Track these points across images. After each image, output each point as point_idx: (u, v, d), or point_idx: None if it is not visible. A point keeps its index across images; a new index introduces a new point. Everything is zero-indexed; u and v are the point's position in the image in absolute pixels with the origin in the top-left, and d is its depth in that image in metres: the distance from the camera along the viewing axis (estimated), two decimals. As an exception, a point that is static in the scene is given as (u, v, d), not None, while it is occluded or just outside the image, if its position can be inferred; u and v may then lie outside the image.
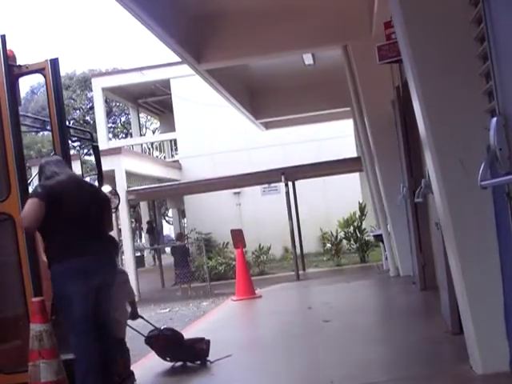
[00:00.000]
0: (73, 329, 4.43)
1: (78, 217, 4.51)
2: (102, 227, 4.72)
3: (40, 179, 4.68)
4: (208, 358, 5.91)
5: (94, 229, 4.61)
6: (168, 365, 6.04)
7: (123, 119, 39.83)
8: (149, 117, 37.36)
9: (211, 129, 24.62)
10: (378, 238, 13.07)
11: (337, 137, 22.53)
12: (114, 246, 4.85)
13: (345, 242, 20.46)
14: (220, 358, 5.89)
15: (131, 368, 5.29)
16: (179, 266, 18.57)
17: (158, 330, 6.03)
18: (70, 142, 5.91)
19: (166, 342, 5.93)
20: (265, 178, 19.12)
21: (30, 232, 4.54)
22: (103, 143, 24.10)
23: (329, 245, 20.69)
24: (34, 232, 4.51)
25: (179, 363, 6.01)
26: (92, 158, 5.80)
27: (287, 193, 17.59)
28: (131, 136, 33.25)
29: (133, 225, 25.42)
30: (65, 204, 4.47)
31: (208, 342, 6.01)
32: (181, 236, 21.41)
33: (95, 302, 4.49)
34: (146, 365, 6.30)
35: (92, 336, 4.43)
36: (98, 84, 27.22)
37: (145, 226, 28.10)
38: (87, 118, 37.45)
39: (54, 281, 4.47)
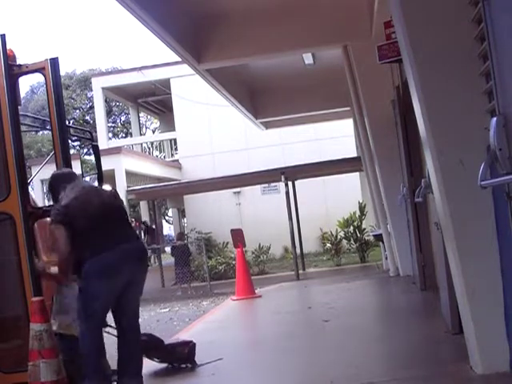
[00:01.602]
0: (89, 322, 4.49)
1: (101, 219, 4.63)
2: (126, 223, 4.91)
3: (54, 196, 4.75)
4: (196, 361, 5.85)
5: (119, 224, 4.77)
6: (168, 365, 6.03)
7: (123, 119, 39.88)
8: (149, 116, 37.40)
9: (211, 128, 24.63)
10: (378, 237, 13.06)
11: (337, 137, 22.54)
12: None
13: (345, 241, 20.47)
14: (209, 362, 5.84)
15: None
16: (180, 266, 18.60)
17: None
18: (69, 141, 5.92)
19: (145, 346, 5.85)
20: (265, 177, 19.14)
21: (66, 257, 4.56)
22: (103, 143, 24.14)
23: (329, 244, 20.70)
24: (68, 256, 4.55)
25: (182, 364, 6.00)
26: (92, 158, 5.80)
27: (287, 192, 17.59)
28: (131, 136, 33.27)
29: (132, 224, 25.42)
30: (84, 216, 4.58)
31: (193, 345, 5.93)
32: (181, 236, 21.41)
33: (123, 298, 4.64)
34: (146, 364, 6.28)
35: (101, 332, 4.57)
36: (97, 84, 27.24)
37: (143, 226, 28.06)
38: (87, 117, 37.49)
39: (83, 279, 4.54)
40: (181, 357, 5.89)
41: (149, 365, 6.04)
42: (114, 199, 4.89)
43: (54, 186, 4.76)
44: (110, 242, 4.58)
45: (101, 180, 5.75)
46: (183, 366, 5.90)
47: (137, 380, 4.76)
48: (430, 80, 4.10)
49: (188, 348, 5.92)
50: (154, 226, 27.07)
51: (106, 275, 4.52)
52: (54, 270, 4.67)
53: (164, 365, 6.01)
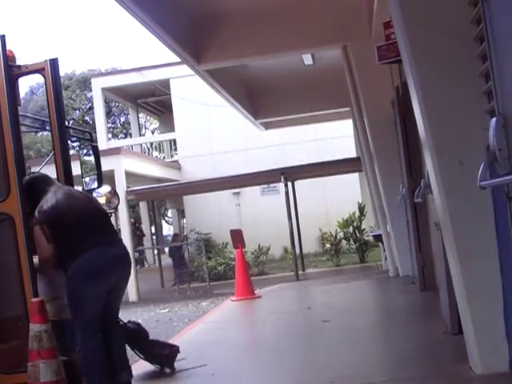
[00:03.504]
0: (84, 327, 4.52)
1: (87, 221, 4.66)
2: (110, 225, 4.93)
3: (33, 198, 4.74)
4: (175, 366, 5.76)
5: (101, 225, 4.79)
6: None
7: (122, 119, 39.85)
8: (148, 117, 37.37)
9: (211, 129, 24.62)
10: (378, 238, 13.06)
11: (337, 137, 22.53)
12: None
13: (344, 242, 20.48)
14: (191, 368, 5.76)
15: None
16: (176, 267, 18.72)
17: (123, 323, 5.91)
18: (69, 142, 5.91)
19: (128, 333, 5.79)
20: (264, 178, 19.12)
21: (50, 258, 4.57)
22: (102, 143, 24.08)
23: (328, 245, 20.71)
24: (52, 256, 4.56)
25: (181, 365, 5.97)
26: (91, 158, 5.76)
27: (286, 193, 17.59)
28: (130, 136, 33.26)
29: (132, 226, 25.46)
30: (65, 217, 4.60)
31: (175, 350, 5.85)
32: (176, 237, 21.43)
33: (107, 300, 4.65)
34: (144, 365, 6.28)
35: (98, 334, 4.59)
36: (97, 84, 27.23)
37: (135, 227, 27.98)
38: (87, 118, 37.45)
39: (71, 280, 4.55)
40: (158, 356, 5.80)
41: (146, 366, 6.04)
42: (97, 202, 5.06)
43: (36, 188, 4.77)
44: (96, 243, 4.59)
45: (100, 181, 5.74)
46: (157, 367, 5.81)
47: (128, 373, 4.84)
48: (429, 80, 4.10)
49: (168, 350, 5.83)
50: (143, 227, 27.11)
51: (92, 277, 4.53)
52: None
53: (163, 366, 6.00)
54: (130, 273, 4.93)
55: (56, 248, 4.53)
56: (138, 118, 32.73)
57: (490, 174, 3.26)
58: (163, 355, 5.80)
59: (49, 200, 4.64)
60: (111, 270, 4.65)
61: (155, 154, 33.90)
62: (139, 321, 6.50)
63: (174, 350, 5.90)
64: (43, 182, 4.84)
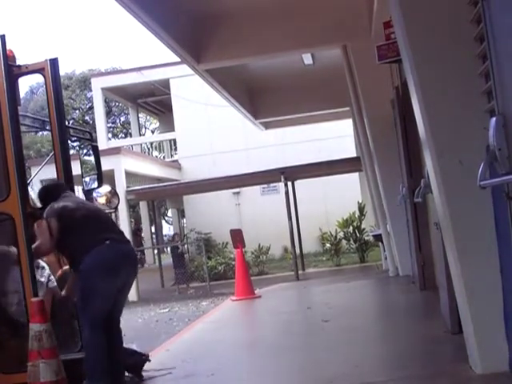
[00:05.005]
0: (91, 324, 4.54)
1: (95, 222, 4.81)
2: (117, 227, 5.16)
3: (46, 201, 4.89)
4: (143, 374, 5.59)
5: (109, 225, 4.96)
6: (166, 363, 6.01)
7: (122, 119, 39.87)
8: (148, 117, 37.37)
9: (211, 129, 24.62)
10: (378, 237, 13.06)
11: (337, 137, 22.52)
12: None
13: (344, 241, 20.47)
14: (158, 375, 5.65)
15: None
16: (176, 267, 18.76)
17: None
18: (69, 141, 5.91)
19: None
20: (264, 177, 19.12)
21: (48, 250, 4.77)
22: (102, 143, 24.08)
23: (328, 245, 20.70)
24: (51, 249, 4.78)
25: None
26: (91, 158, 5.81)
27: (286, 193, 17.58)
28: (130, 136, 33.28)
29: (132, 225, 25.47)
30: (73, 217, 4.72)
31: (143, 360, 5.61)
32: (174, 237, 21.44)
33: (115, 299, 4.72)
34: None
35: (104, 331, 4.61)
36: (97, 84, 27.24)
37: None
38: (87, 117, 37.47)
39: (84, 273, 4.60)
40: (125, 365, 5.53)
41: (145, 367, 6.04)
42: (104, 212, 5.30)
43: (51, 194, 4.91)
44: (106, 239, 4.69)
45: (100, 180, 5.75)
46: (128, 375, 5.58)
47: (121, 377, 4.92)
48: (429, 80, 4.10)
49: (134, 360, 5.56)
50: (143, 227, 27.16)
51: (105, 271, 4.61)
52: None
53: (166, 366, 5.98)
54: (137, 272, 5.03)
55: (67, 244, 4.66)
56: (138, 117, 32.74)
57: (490, 173, 3.25)
58: (129, 364, 5.48)
59: (58, 202, 4.78)
60: (122, 265, 4.72)
61: (155, 153, 33.92)
62: (139, 321, 6.49)
63: (141, 360, 5.66)
64: (57, 189, 4.96)
